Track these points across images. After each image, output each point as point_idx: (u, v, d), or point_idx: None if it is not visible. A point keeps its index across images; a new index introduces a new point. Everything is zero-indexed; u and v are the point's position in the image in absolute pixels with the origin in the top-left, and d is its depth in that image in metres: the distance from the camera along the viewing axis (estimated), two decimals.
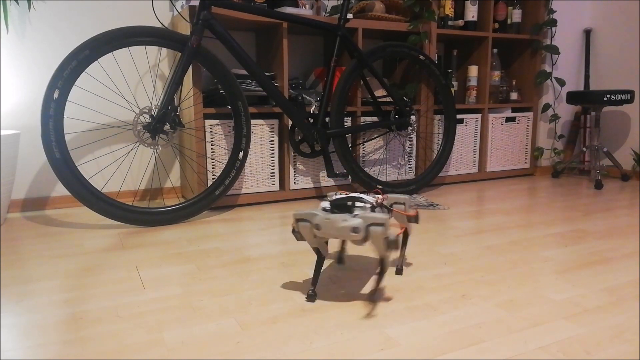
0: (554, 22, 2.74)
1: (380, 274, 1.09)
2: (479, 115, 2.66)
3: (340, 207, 1.09)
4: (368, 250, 1.48)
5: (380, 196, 1.19)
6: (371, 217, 1.01)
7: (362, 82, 2.25)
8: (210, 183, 2.02)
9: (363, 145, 2.34)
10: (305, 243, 1.56)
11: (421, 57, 2.29)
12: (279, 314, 1.05)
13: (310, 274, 1.29)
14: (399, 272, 1.28)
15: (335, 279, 1.25)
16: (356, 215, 1.04)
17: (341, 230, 1.01)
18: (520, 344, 0.92)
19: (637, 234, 1.66)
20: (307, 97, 2.19)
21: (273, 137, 2.13)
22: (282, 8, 2.06)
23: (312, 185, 2.24)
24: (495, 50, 2.70)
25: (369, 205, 1.11)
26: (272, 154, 2.14)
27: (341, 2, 2.39)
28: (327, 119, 2.09)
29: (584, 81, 2.99)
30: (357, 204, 1.10)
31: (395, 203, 1.23)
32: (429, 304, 1.10)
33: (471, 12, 2.59)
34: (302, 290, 1.18)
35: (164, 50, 2.20)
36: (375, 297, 1.14)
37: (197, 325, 1.00)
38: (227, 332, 0.97)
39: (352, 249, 1.49)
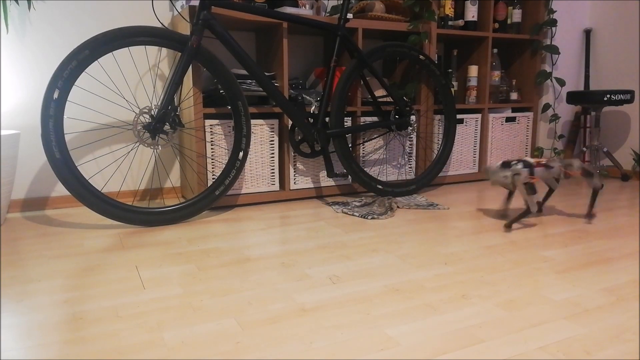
0: (554, 22, 2.74)
1: (523, 213, 1.70)
2: (479, 115, 2.66)
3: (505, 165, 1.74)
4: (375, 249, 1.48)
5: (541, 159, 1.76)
6: (516, 169, 1.70)
7: (362, 82, 2.25)
8: (210, 183, 2.02)
9: (363, 145, 2.34)
10: (304, 243, 1.56)
11: (421, 57, 2.29)
12: (279, 314, 1.05)
13: (309, 273, 1.29)
14: (539, 209, 1.96)
15: (336, 279, 1.25)
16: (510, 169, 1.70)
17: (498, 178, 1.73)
18: (520, 344, 0.92)
19: (637, 234, 1.66)
20: (307, 97, 2.19)
21: (273, 137, 2.13)
22: (282, 8, 2.06)
23: (312, 185, 2.24)
24: (495, 50, 2.70)
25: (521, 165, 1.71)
26: (272, 154, 2.14)
27: (341, 2, 2.39)
28: (327, 119, 2.09)
29: (584, 81, 2.99)
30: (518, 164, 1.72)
31: (568, 165, 1.79)
32: (429, 304, 1.10)
33: (471, 12, 2.59)
34: (302, 290, 1.18)
35: (164, 50, 2.20)
36: (509, 228, 1.70)
37: (197, 325, 1.00)
38: (227, 332, 0.97)
39: (356, 251, 1.49)
